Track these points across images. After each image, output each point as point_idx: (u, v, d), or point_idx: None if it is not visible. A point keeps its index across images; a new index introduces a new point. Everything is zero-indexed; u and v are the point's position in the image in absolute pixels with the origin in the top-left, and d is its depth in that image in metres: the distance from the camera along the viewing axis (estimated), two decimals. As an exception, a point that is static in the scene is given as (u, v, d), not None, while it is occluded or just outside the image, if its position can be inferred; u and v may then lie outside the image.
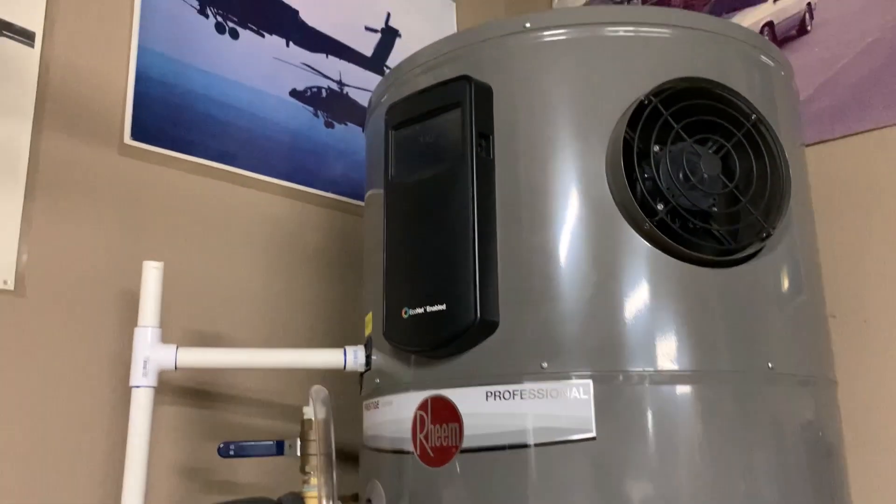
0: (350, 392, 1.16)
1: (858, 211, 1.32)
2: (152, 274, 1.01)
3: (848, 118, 1.36)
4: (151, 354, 0.98)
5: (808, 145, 1.35)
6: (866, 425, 1.24)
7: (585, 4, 1.84)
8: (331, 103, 1.49)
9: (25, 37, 1.09)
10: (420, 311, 0.90)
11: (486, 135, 0.91)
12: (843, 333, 1.28)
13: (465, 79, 0.91)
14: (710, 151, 0.90)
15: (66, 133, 1.12)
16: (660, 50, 0.92)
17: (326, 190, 1.44)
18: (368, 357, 1.05)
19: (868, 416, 1.24)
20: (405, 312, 0.92)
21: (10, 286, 1.03)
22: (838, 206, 1.34)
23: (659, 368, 0.82)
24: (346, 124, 1.50)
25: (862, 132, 1.34)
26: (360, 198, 1.49)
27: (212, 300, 1.25)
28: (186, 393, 1.19)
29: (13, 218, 1.04)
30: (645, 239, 0.85)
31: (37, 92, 1.09)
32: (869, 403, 1.25)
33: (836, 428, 0.93)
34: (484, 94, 0.91)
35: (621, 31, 0.92)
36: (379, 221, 1.02)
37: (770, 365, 0.85)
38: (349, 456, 1.20)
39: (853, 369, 1.26)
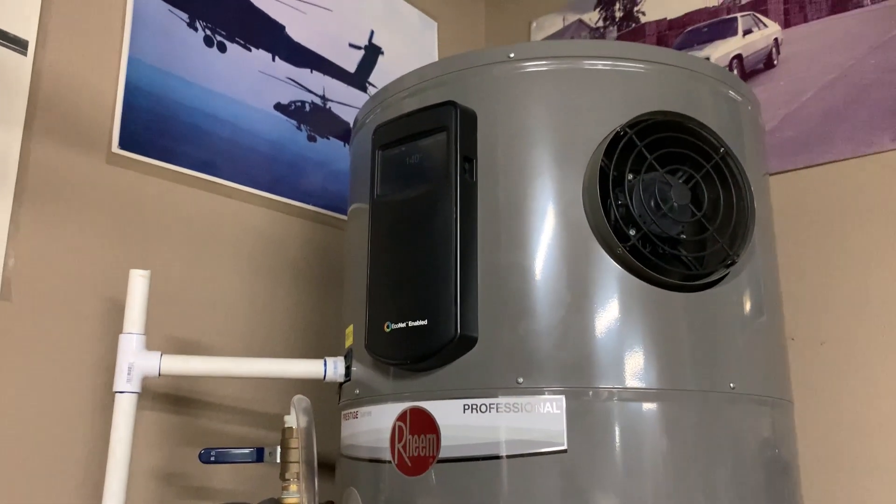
0: (326, 401, 1.18)
1: (819, 237, 1.39)
2: (139, 282, 1.03)
3: (810, 150, 1.43)
4: (136, 361, 1.01)
5: (772, 174, 1.42)
6: (822, 444, 1.30)
7: (558, 32, 1.90)
8: (314, 117, 1.52)
9: (19, 45, 1.11)
10: (402, 325, 0.94)
11: (469, 158, 0.95)
12: (801, 355, 1.34)
13: (451, 104, 0.95)
14: (681, 181, 0.95)
15: (56, 140, 1.14)
16: (635, 83, 0.97)
17: (307, 202, 1.47)
18: (348, 368, 1.08)
19: (824, 435, 1.31)
20: (387, 326, 0.95)
21: (-3, 290, 1.05)
22: (799, 233, 1.40)
23: (627, 386, 0.86)
24: (328, 138, 1.54)
25: (823, 163, 1.41)
26: (341, 210, 1.52)
27: (194, 308, 1.27)
28: (167, 399, 1.21)
29: (1, 223, 1.06)
30: (617, 262, 0.89)
31: (28, 99, 1.11)
32: (825, 423, 1.31)
33: (792, 447, 0.98)
34: (469, 119, 0.96)
35: (599, 64, 0.97)
36: (362, 236, 1.05)
37: (732, 385, 0.90)
38: (323, 465, 1.22)
39: (810, 390, 1.32)
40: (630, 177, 0.94)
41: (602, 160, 0.91)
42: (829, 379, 1.32)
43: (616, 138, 0.92)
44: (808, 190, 1.41)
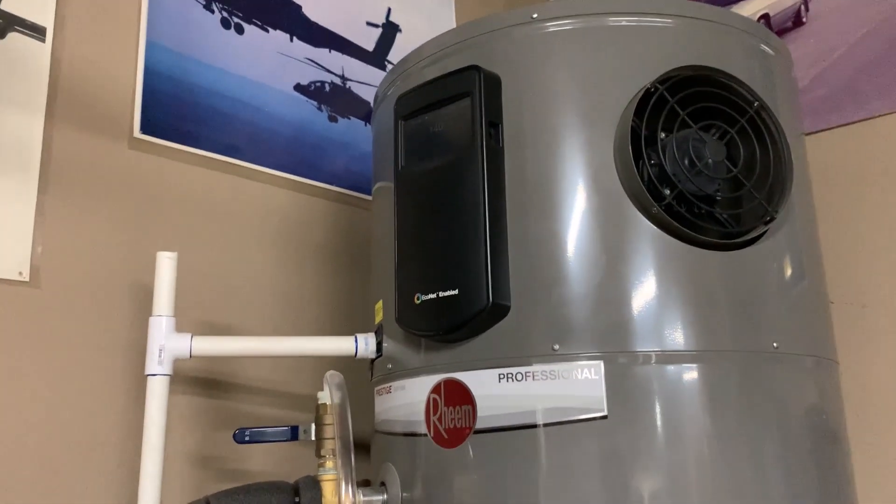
0: (358, 382, 1.17)
1: (854, 199, 1.35)
2: (166, 264, 1.03)
3: (843, 108, 1.38)
4: (166, 343, 1.00)
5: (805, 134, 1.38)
6: (864, 409, 1.27)
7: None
8: (334, 97, 1.50)
9: (37, 32, 1.10)
10: (432, 296, 0.92)
11: (495, 123, 0.93)
12: (841, 319, 1.30)
13: (474, 68, 0.93)
14: (715, 138, 0.92)
15: (78, 127, 1.14)
16: (663, 39, 0.94)
17: (331, 183, 1.46)
18: (380, 344, 1.06)
19: (867, 400, 1.27)
20: (418, 298, 0.94)
21: (26, 277, 1.05)
22: (835, 194, 1.36)
23: (666, 348, 0.84)
24: (349, 118, 1.52)
25: (857, 122, 1.37)
26: (364, 191, 1.51)
27: (221, 292, 1.26)
28: (199, 383, 1.21)
29: (27, 210, 1.06)
30: (652, 223, 0.87)
31: (48, 86, 1.11)
32: (867, 388, 1.27)
33: (839, 410, 0.95)
34: (493, 84, 0.93)
35: (624, 20, 0.94)
36: (388, 212, 1.04)
37: (775, 345, 0.87)
38: (357, 445, 1.21)
39: (852, 355, 1.28)
40: (662, 135, 0.91)
41: (633, 119, 0.89)
42: (871, 343, 1.29)
43: (646, 95, 0.89)
44: (841, 149, 1.37)
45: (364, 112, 1.55)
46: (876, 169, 1.33)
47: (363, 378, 1.16)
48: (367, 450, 1.13)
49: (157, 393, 0.99)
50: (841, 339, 1.23)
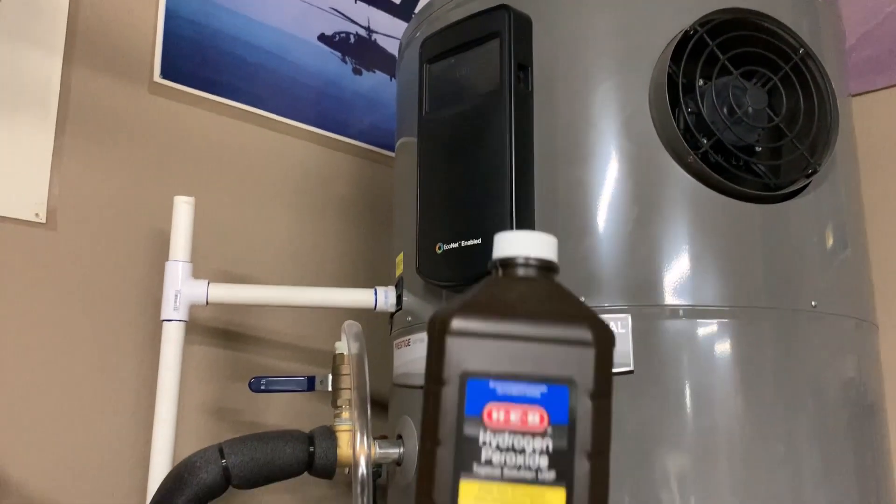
0: (375, 338, 1.15)
1: (899, 163, 1.29)
2: (183, 208, 1.00)
3: (891, 69, 1.32)
4: (183, 288, 0.98)
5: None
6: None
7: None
8: (359, 49, 1.46)
9: (56, -31, 1.08)
10: (455, 245, 0.89)
11: (524, 66, 0.89)
12: (878, 283, 1.25)
13: (503, 8, 0.89)
14: (756, 86, 0.87)
15: (97, 69, 1.11)
16: (704, -19, 0.89)
17: (354, 138, 1.43)
18: (399, 297, 1.04)
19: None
20: (439, 248, 0.90)
21: (42, 219, 1.03)
22: (879, 158, 1.31)
23: (697, 303, 0.80)
24: (374, 72, 1.48)
25: (905, 83, 1.30)
26: (388, 147, 1.47)
27: (240, 242, 1.24)
28: (215, 333, 1.19)
29: (44, 151, 1.04)
30: (688, 173, 0.83)
31: (67, 27, 1.08)
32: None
33: (878, 377, 0.91)
34: (523, 24, 0.89)
35: (664, -39, 0.89)
36: (411, 163, 1.00)
37: (813, 303, 0.83)
38: (372, 401, 1.20)
39: (888, 323, 1.23)
40: (700, 83, 0.86)
41: (670, 65, 0.84)
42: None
43: (685, 38, 0.84)
44: (887, 114, 1.31)
45: (390, 66, 1.51)
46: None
47: (380, 334, 1.14)
48: (381, 407, 1.11)
49: (172, 338, 0.97)
50: (881, 305, 1.18)
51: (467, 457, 0.38)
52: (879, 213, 1.29)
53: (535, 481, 0.38)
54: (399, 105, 1.14)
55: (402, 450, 0.93)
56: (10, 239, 1.01)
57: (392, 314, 1.07)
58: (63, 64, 1.08)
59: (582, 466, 0.38)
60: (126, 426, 1.08)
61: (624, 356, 0.79)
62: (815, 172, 0.85)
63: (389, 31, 1.53)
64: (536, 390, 0.39)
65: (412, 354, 0.96)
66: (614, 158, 0.84)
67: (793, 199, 0.86)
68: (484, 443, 0.38)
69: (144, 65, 1.17)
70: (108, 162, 1.11)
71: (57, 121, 1.06)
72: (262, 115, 1.29)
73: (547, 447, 0.38)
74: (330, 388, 0.95)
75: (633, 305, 0.80)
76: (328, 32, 1.42)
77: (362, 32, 1.48)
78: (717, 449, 0.78)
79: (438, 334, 0.40)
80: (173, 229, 1.00)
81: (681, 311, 0.80)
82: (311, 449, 0.88)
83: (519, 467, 0.38)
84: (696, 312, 0.80)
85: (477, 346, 0.39)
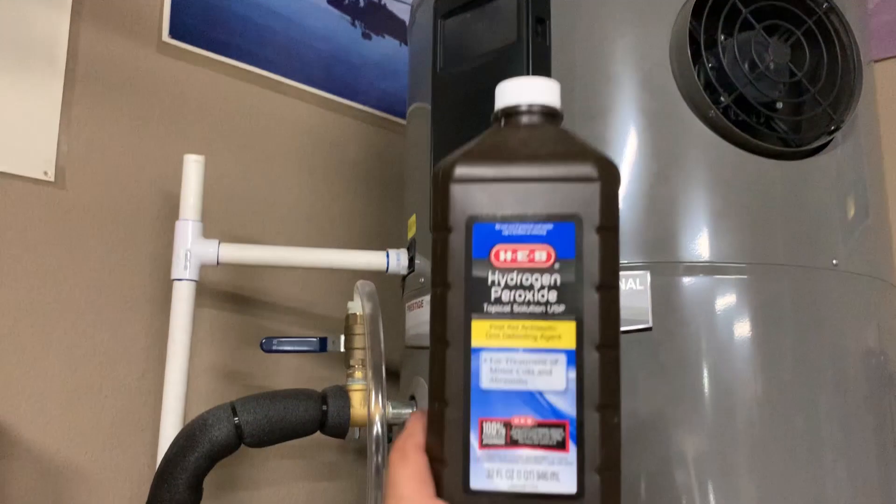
0: (386, 303, 1.14)
1: (917, 130, 1.27)
2: (193, 167, 0.99)
3: (910, 33, 1.30)
4: (193, 248, 0.97)
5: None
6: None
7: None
8: (368, 13, 1.44)
9: (63, -77, 1.06)
10: (470, 202, 0.87)
11: (542, 20, 0.87)
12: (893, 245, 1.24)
13: (521, -40, 0.87)
14: (779, 41, 0.85)
15: (105, 27, 1.10)
16: (727, -66, 0.87)
17: (364, 103, 1.41)
18: (412, 259, 1.03)
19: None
20: (454, 205, 0.89)
21: (51, 177, 1.02)
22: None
23: (716, 260, 0.79)
24: (383, 36, 1.46)
25: (924, 48, 1.28)
26: (398, 114, 1.46)
27: (250, 206, 1.23)
28: (226, 297, 1.18)
29: (53, 109, 1.03)
30: (708, 127, 0.81)
31: (74, -18, 1.07)
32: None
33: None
34: (541, -23, 0.87)
35: (686, -86, 0.87)
36: (424, 128, 0.99)
37: (834, 262, 0.82)
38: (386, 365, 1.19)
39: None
40: (722, 38, 0.84)
41: (691, 20, 0.82)
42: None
43: (707, -10, 0.83)
44: (906, 77, 1.29)
45: (399, 31, 1.49)
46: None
47: (391, 298, 1.13)
48: (390, 372, 1.10)
49: (183, 298, 0.97)
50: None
51: (477, 297, 0.38)
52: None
53: (545, 315, 0.38)
54: (411, 68, 1.13)
55: (414, 409, 0.93)
56: (18, 197, 1.00)
57: (404, 276, 1.06)
58: (71, 22, 1.06)
59: (591, 298, 0.38)
60: (136, 386, 1.08)
61: (642, 313, 0.78)
62: (837, 129, 0.84)
63: (399, -5, 1.51)
64: (542, 228, 0.39)
65: (425, 316, 0.95)
66: (634, 113, 0.83)
67: (814, 156, 0.84)
68: (493, 282, 0.39)
69: (153, 24, 1.15)
70: (117, 121, 1.10)
71: (65, 79, 1.04)
72: (271, 78, 1.28)
73: (555, 281, 0.38)
74: (342, 349, 0.94)
75: (651, 262, 0.79)
76: (338, -5, 1.40)
77: (372, -4, 1.46)
78: (733, 416, 0.77)
79: (442, 183, 0.40)
80: (183, 188, 0.99)
81: (699, 268, 0.79)
82: (325, 408, 0.88)
83: (528, 303, 0.38)
84: (715, 269, 0.79)
85: (481, 190, 0.39)
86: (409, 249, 1.04)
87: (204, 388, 1.14)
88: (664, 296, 0.78)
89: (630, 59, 0.84)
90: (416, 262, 1.02)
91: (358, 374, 0.91)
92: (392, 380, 1.15)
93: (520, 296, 0.38)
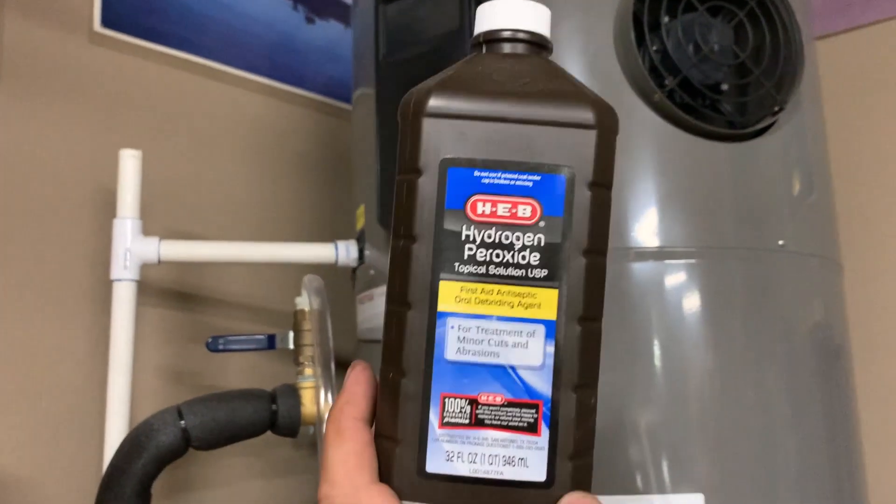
0: (335, 294, 1.12)
1: (863, 105, 1.29)
2: (130, 163, 0.96)
3: (851, 9, 1.31)
4: (132, 246, 0.94)
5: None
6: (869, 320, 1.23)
7: None
8: (312, -2, 1.41)
9: None
10: (417, 193, 0.86)
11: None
12: (846, 229, 1.26)
13: (462, -57, 0.85)
14: (722, 23, 0.85)
15: (32, 18, 1.04)
16: (668, -86, 0.86)
17: (309, 90, 1.38)
18: (361, 251, 1.01)
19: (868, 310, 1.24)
20: (401, 196, 0.87)
21: (-22, 177, 0.97)
22: (842, 101, 1.30)
23: (665, 245, 0.79)
24: (327, 20, 1.43)
25: (866, 25, 1.30)
26: (344, 100, 1.43)
27: (191, 200, 1.19)
28: (170, 295, 1.15)
29: (-23, 105, 0.98)
30: (654, 111, 0.80)
31: (-4, -30, 1.01)
32: (872, 298, 1.24)
33: (843, 313, 0.91)
34: (482, -40, 0.85)
35: None
36: (370, 115, 0.97)
37: (781, 242, 0.82)
38: (336, 358, 1.17)
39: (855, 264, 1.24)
40: (666, 20, 0.84)
41: (634, 1, 0.82)
42: (876, 249, 1.25)
43: (649, -27, 0.82)
44: (850, 54, 1.31)
45: (343, 14, 1.46)
46: (887, 73, 1.26)
47: (340, 290, 1.11)
48: (343, 366, 1.08)
49: (123, 298, 0.93)
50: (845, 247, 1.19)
51: (448, 254, 0.34)
52: (840, 156, 1.29)
53: (525, 279, 0.34)
54: (355, 53, 1.10)
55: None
56: (-56, 199, 0.95)
57: (354, 269, 1.04)
58: (-6, 12, 1.01)
59: (577, 264, 0.34)
60: (79, 392, 1.04)
61: (592, 301, 0.77)
62: (781, 110, 0.84)
63: (343, -22, 1.47)
64: (528, 179, 0.34)
65: (376, 308, 0.94)
66: (579, 99, 0.82)
67: (759, 137, 0.84)
68: (467, 237, 0.34)
69: (84, 13, 1.10)
70: (49, 116, 1.05)
71: (-10, 73, 0.99)
72: (211, 66, 1.24)
73: (538, 241, 0.34)
74: (291, 346, 0.92)
75: (600, 249, 0.79)
76: (278, -21, 1.36)
77: (314, -20, 1.42)
78: (686, 395, 0.77)
79: (413, 116, 0.34)
80: (120, 185, 0.95)
81: (649, 254, 0.79)
82: (274, 407, 0.86)
83: (507, 264, 0.34)
84: (664, 254, 0.79)
85: (458, 128, 0.34)
86: (358, 241, 1.03)
87: (150, 389, 1.11)
88: (613, 282, 0.78)
89: (574, 44, 0.83)
90: (366, 253, 1.00)
91: (308, 371, 0.89)
92: (344, 375, 1.14)
93: (497, 256, 0.34)
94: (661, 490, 0.75)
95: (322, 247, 1.02)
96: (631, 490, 0.75)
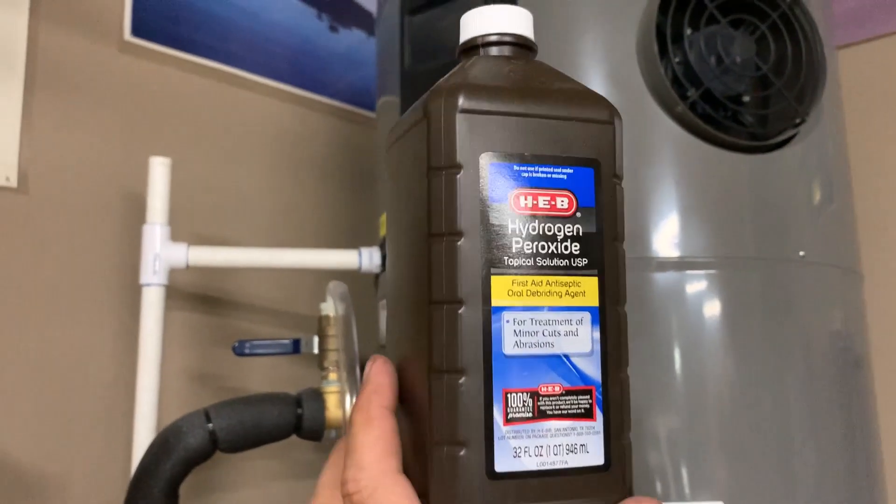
0: (358, 300, 1.14)
1: (882, 116, 1.29)
2: (159, 170, 0.98)
3: (873, 20, 1.31)
4: (161, 252, 0.96)
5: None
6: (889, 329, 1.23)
7: None
8: (335, 6, 1.43)
9: (16, -79, 1.03)
10: (440, 201, 0.87)
11: (509, 16, 0.86)
12: (862, 234, 1.26)
13: (487, -44, 0.86)
14: (744, 34, 0.86)
15: (65, 27, 1.07)
16: (691, -73, 0.87)
17: (332, 97, 1.40)
18: (384, 257, 1.02)
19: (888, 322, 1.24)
20: (425, 204, 0.89)
21: (13, 183, 1.00)
22: (862, 111, 1.30)
23: (686, 255, 0.80)
24: (350, 29, 1.45)
25: (886, 35, 1.30)
26: (367, 107, 1.45)
27: (217, 205, 1.21)
28: (196, 299, 1.17)
29: (13, 113, 1.00)
30: (676, 122, 0.81)
31: (31, -19, 1.04)
32: (890, 306, 1.24)
33: (863, 324, 0.91)
34: (507, -27, 0.87)
35: None
36: (394, 121, 0.98)
37: (801, 253, 0.83)
38: (360, 365, 1.19)
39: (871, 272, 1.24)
40: (688, 31, 0.85)
41: (657, 13, 0.83)
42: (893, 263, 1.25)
43: (672, -14, 0.83)
44: (870, 64, 1.31)
45: (367, 23, 1.48)
46: (905, 83, 1.26)
47: (363, 297, 1.12)
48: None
49: (152, 303, 0.95)
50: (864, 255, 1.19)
51: (497, 247, 0.34)
52: (861, 166, 1.29)
53: (569, 269, 0.35)
54: (379, 62, 1.12)
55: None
56: (-21, 204, 0.98)
57: (377, 275, 1.06)
58: (29, 23, 1.03)
59: (611, 250, 0.35)
60: (108, 393, 1.06)
61: (614, 309, 0.78)
62: (802, 122, 0.84)
63: (366, -13, 1.49)
64: (563, 172, 0.35)
65: (399, 314, 0.95)
66: (602, 110, 0.83)
67: (780, 149, 0.85)
68: (513, 230, 0.34)
69: (114, 22, 1.12)
70: (80, 123, 1.07)
71: (25, 83, 1.02)
72: (237, 75, 1.26)
73: (577, 231, 0.35)
74: (316, 351, 0.93)
75: (622, 258, 0.80)
76: (303, -11, 1.38)
77: (338, -11, 1.44)
78: (706, 404, 0.78)
79: (446, 113, 0.34)
80: (150, 191, 0.97)
81: (671, 264, 0.79)
82: (299, 411, 0.87)
83: (552, 255, 0.34)
84: (684, 264, 0.80)
85: (495, 124, 0.34)
86: (381, 247, 1.04)
87: (177, 391, 1.13)
88: (634, 291, 0.79)
89: (597, 54, 0.84)
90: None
91: (332, 375, 0.91)
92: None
93: (543, 247, 0.34)
94: (681, 497, 0.76)
95: (346, 253, 1.03)
96: (651, 497, 0.76)
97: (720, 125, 0.81)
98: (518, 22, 0.39)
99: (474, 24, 0.39)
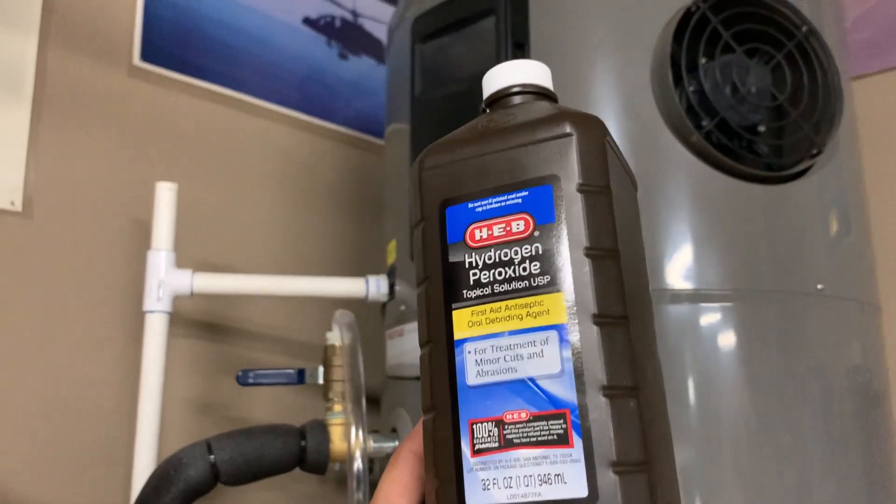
0: (364, 329, 1.12)
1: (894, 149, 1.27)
2: (166, 196, 0.97)
3: (887, 52, 1.30)
4: (166, 278, 0.94)
5: (843, 79, 1.30)
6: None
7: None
8: (345, 34, 1.43)
9: (29, -54, 1.03)
10: (450, 230, 0.85)
11: (521, 44, 0.86)
12: (880, 267, 1.24)
13: (499, -16, 0.86)
14: (760, 64, 0.85)
15: (74, 51, 1.07)
16: (705, -43, 0.86)
17: (340, 124, 1.39)
18: (392, 286, 1.01)
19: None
20: (434, 233, 0.87)
21: (18, 207, 0.99)
22: (875, 142, 1.29)
23: (701, 287, 0.78)
24: (360, 56, 1.45)
25: (899, 66, 1.29)
26: (375, 134, 1.44)
27: (224, 231, 1.20)
28: (200, 326, 1.15)
29: (20, 136, 0.99)
30: (691, 152, 0.80)
31: (42, 5, 1.04)
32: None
33: (882, 358, 0.89)
34: (519, 1, 0.86)
35: (664, -63, 0.86)
36: (403, 150, 0.97)
37: (819, 286, 0.81)
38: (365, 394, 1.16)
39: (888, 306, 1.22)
40: (703, 61, 0.84)
41: (672, 43, 0.82)
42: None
43: (687, 15, 0.82)
44: (884, 95, 1.30)
45: (376, 51, 1.48)
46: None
47: (369, 325, 1.11)
48: (371, 402, 1.08)
49: (155, 330, 0.94)
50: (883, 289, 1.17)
51: (455, 284, 0.35)
52: (876, 197, 1.27)
53: (530, 289, 0.34)
54: (389, 89, 1.11)
55: (396, 443, 0.90)
56: (-17, 228, 0.96)
57: (384, 304, 1.04)
58: (38, 46, 1.03)
59: (580, 263, 0.34)
60: (108, 421, 1.04)
61: (627, 342, 0.77)
62: (819, 153, 0.83)
63: (375, 14, 1.49)
64: (517, 197, 0.35)
65: (406, 344, 0.93)
66: (615, 138, 0.82)
67: (797, 180, 0.84)
68: (470, 264, 0.35)
69: (123, 47, 1.12)
70: (86, 148, 1.07)
71: (33, 105, 1.01)
72: (246, 100, 1.25)
73: (536, 250, 0.34)
74: (321, 381, 0.91)
75: (636, 290, 0.78)
76: (313, 16, 1.38)
77: (348, 16, 1.44)
78: (721, 439, 0.76)
79: (416, 176, 0.37)
80: (155, 217, 0.96)
81: (685, 296, 0.78)
82: (303, 443, 0.85)
83: (510, 279, 0.34)
84: (699, 297, 0.78)
85: (451, 173, 0.36)
86: (388, 276, 1.02)
87: (179, 420, 1.11)
88: (649, 324, 0.77)
89: (611, 83, 0.83)
90: (397, 288, 1.00)
91: (337, 407, 0.89)
92: (373, 409, 1.13)
93: (499, 273, 0.34)
94: (697, 537, 0.73)
95: (353, 281, 1.02)
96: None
97: (735, 155, 0.80)
98: (533, 73, 0.40)
99: (485, 87, 0.41)
